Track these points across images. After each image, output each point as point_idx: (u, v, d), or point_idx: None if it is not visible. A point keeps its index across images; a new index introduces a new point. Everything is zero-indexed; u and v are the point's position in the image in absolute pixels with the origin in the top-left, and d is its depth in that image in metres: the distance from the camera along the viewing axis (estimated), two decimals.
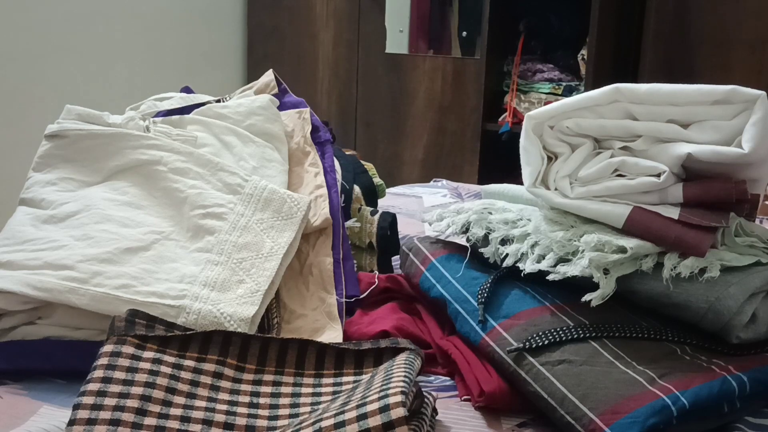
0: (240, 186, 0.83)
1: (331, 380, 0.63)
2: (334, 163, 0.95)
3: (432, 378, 0.72)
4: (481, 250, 0.78)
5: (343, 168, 0.96)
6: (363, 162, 1.07)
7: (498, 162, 2.56)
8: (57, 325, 0.72)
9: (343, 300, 0.80)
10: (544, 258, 0.71)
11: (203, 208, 0.80)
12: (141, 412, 0.55)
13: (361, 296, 0.82)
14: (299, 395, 0.61)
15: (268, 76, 1.03)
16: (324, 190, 0.89)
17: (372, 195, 1.03)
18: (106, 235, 0.76)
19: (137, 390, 0.56)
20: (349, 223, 0.90)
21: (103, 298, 0.70)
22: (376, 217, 0.95)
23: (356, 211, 0.95)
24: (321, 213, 0.85)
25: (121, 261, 0.74)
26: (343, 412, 0.50)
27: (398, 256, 0.90)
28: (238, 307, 0.71)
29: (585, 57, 2.67)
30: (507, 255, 0.74)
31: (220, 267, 0.76)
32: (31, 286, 0.70)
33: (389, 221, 0.95)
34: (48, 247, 0.75)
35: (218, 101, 0.98)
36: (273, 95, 1.00)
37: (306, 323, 0.76)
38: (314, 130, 0.98)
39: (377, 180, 1.07)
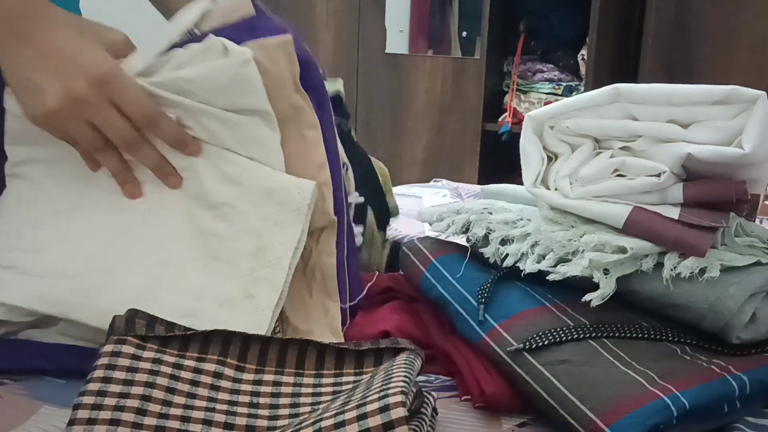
0: (239, 176, 0.73)
1: (331, 380, 0.63)
2: (331, 115, 0.76)
3: (432, 378, 0.72)
4: (482, 250, 0.78)
5: (358, 183, 0.84)
6: (375, 160, 0.94)
7: (498, 162, 2.56)
8: (60, 333, 0.71)
9: (347, 306, 0.75)
10: (544, 258, 0.71)
11: (210, 209, 0.73)
12: (141, 412, 0.55)
13: (362, 295, 0.79)
14: (299, 395, 0.61)
15: None
16: (327, 173, 0.75)
17: (384, 220, 0.93)
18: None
19: (137, 390, 0.56)
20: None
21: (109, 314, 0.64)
22: (387, 248, 0.91)
23: (369, 239, 0.89)
24: (325, 210, 0.75)
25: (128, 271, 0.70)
26: (343, 412, 0.50)
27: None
28: (248, 327, 0.65)
29: (585, 57, 2.67)
30: (507, 255, 0.74)
31: (229, 280, 0.70)
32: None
33: (397, 248, 0.89)
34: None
35: (180, 45, 0.74)
36: (247, 20, 0.76)
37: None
38: (303, 69, 0.76)
39: (392, 199, 0.96)
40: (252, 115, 0.73)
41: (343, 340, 0.73)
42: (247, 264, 0.71)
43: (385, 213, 0.94)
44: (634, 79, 2.60)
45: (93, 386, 0.56)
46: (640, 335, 0.66)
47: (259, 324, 0.69)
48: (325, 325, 0.73)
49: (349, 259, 0.78)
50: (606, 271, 0.67)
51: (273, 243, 0.71)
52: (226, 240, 0.71)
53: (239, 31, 0.74)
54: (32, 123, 0.70)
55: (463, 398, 0.69)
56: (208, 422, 0.57)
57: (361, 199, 0.85)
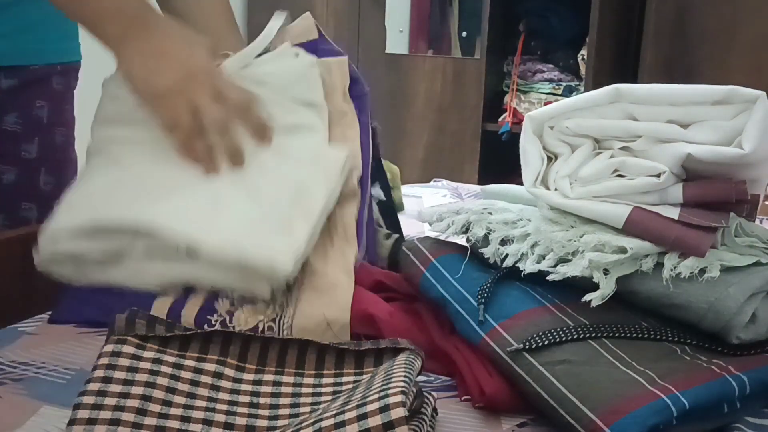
0: (292, 147, 0.86)
1: (331, 380, 0.63)
2: (369, 119, 0.92)
3: (432, 378, 0.72)
4: (481, 250, 0.78)
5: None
6: (387, 162, 1.05)
7: (498, 162, 2.56)
8: (124, 270, 0.79)
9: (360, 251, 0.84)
10: (544, 258, 0.71)
11: (262, 171, 0.84)
12: (141, 411, 0.55)
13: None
14: (299, 395, 0.61)
15: (307, 19, 0.96)
16: (359, 163, 0.90)
17: (391, 216, 1.03)
18: None
19: (138, 390, 0.56)
20: None
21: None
22: (390, 242, 0.94)
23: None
24: (351, 184, 0.87)
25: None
26: (343, 412, 0.50)
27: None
28: (286, 250, 0.76)
29: (585, 57, 2.67)
30: (507, 255, 0.74)
31: (273, 215, 0.80)
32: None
33: (398, 247, 0.94)
34: None
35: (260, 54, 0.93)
36: (310, 41, 0.94)
37: (325, 282, 0.80)
38: (352, 83, 0.94)
39: (398, 194, 1.05)
40: (310, 107, 0.89)
41: (353, 280, 0.80)
42: (288, 204, 0.82)
43: (390, 211, 1.03)
44: (634, 79, 2.60)
45: (93, 386, 0.56)
46: (640, 335, 0.66)
47: (295, 246, 0.78)
48: (341, 265, 0.82)
49: (368, 224, 0.89)
50: (606, 271, 0.67)
51: (312, 188, 0.83)
52: (272, 188, 0.83)
53: (305, 50, 0.93)
54: (143, 98, 0.82)
55: (463, 398, 0.69)
56: (208, 422, 0.57)
57: (380, 193, 0.97)
